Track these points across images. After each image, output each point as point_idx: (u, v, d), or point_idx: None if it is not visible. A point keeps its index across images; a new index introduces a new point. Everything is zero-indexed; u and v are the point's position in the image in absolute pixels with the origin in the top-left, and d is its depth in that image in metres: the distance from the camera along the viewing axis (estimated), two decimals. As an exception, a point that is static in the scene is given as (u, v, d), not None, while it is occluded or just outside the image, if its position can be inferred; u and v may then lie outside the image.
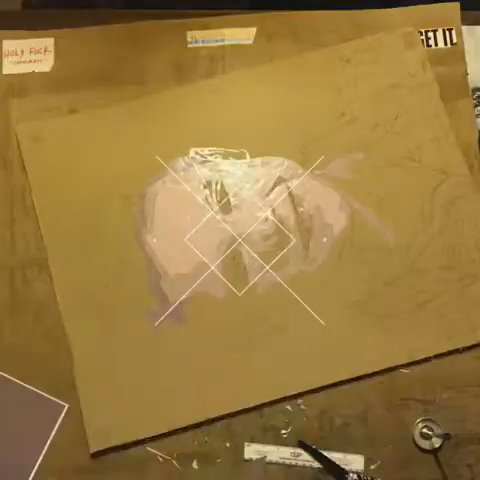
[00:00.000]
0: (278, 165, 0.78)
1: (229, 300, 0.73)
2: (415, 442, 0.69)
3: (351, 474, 0.68)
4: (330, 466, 0.68)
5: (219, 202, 0.76)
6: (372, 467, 0.69)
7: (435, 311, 0.72)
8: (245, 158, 0.78)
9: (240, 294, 0.74)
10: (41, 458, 0.70)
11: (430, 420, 0.69)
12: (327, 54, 0.81)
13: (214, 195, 0.77)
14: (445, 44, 0.82)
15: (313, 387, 0.70)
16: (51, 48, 0.83)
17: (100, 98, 0.80)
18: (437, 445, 0.68)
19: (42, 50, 0.82)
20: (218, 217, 0.76)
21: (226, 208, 0.76)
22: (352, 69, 0.80)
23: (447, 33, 0.82)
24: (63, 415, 0.71)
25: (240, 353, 0.72)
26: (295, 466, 0.69)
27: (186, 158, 0.78)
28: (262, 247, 0.75)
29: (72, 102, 0.80)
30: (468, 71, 0.81)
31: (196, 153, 0.78)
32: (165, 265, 0.75)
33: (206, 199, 0.77)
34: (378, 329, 0.72)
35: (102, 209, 0.76)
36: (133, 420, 0.70)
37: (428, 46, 0.81)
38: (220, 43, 0.82)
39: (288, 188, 0.77)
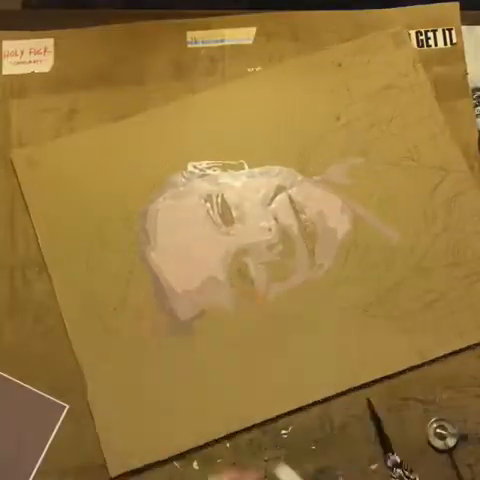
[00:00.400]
0: (277, 174, 0.77)
1: (239, 313, 0.73)
2: (430, 442, 0.68)
3: (394, 456, 0.67)
4: (382, 439, 0.68)
5: (221, 215, 0.76)
6: (372, 467, 0.69)
7: (443, 310, 0.72)
8: (244, 169, 0.78)
9: (249, 307, 0.73)
10: (41, 459, 0.69)
11: (444, 420, 0.69)
12: (317, 59, 0.80)
13: (216, 208, 0.76)
14: (445, 44, 0.82)
15: (330, 394, 0.70)
16: (51, 48, 0.83)
17: (100, 98, 0.80)
18: (452, 444, 0.68)
19: (42, 50, 0.82)
20: (221, 230, 0.75)
21: (228, 220, 0.76)
22: (343, 72, 0.80)
23: (447, 33, 0.82)
24: (63, 416, 0.71)
25: (254, 366, 0.71)
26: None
27: (184, 173, 0.77)
28: (267, 257, 0.74)
29: (72, 102, 0.80)
30: (468, 71, 0.81)
31: (194, 167, 0.77)
32: (172, 282, 0.74)
33: (208, 213, 0.76)
34: (388, 331, 0.71)
35: (104, 231, 0.75)
36: (146, 442, 0.69)
37: (428, 46, 0.82)
38: (220, 43, 0.82)
39: (289, 196, 0.76)
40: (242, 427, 0.69)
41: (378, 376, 0.70)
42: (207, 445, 0.69)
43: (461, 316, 0.72)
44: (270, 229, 0.76)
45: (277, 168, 0.78)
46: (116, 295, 0.74)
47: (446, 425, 0.69)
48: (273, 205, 0.76)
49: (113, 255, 0.75)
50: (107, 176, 0.78)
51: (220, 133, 0.79)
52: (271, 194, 0.77)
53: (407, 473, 0.68)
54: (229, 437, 0.70)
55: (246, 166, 0.78)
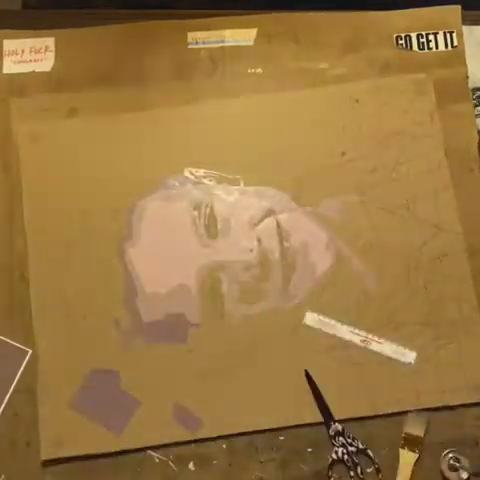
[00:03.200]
0: (270, 197, 0.76)
1: (203, 327, 0.72)
2: (443, 474, 0.68)
3: (336, 424, 0.68)
4: (322, 408, 0.69)
5: (206, 226, 0.75)
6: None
7: (404, 368, 0.70)
8: (239, 185, 0.77)
9: (214, 322, 0.72)
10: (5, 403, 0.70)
11: (457, 452, 0.68)
12: (336, 91, 0.79)
13: (202, 218, 0.75)
14: (446, 47, 0.81)
15: (273, 426, 0.69)
16: (52, 47, 0.82)
17: (100, 98, 0.80)
18: (464, 477, 0.68)
19: (42, 49, 0.82)
20: (203, 241, 0.75)
21: (212, 233, 0.75)
22: (359, 109, 0.78)
23: (448, 36, 0.81)
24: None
25: (208, 382, 0.70)
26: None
27: (180, 177, 0.77)
28: (242, 277, 0.73)
29: (72, 102, 0.80)
30: (468, 70, 0.80)
31: (190, 173, 0.77)
32: (143, 282, 0.74)
33: (194, 221, 0.75)
34: (345, 377, 0.70)
35: (90, 217, 0.75)
36: (86, 433, 0.69)
37: (429, 49, 0.81)
38: (220, 44, 0.82)
39: (277, 221, 0.75)
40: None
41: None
42: (204, 446, 0.69)
43: (422, 378, 0.70)
44: (251, 250, 0.74)
45: (272, 191, 0.76)
46: (86, 282, 0.73)
47: (460, 457, 0.68)
48: (259, 227, 0.76)
49: (93, 242, 0.75)
50: (103, 164, 0.77)
51: (223, 145, 0.78)
52: (260, 215, 0.76)
53: (349, 440, 0.68)
54: (226, 438, 0.69)
55: (242, 183, 0.77)
